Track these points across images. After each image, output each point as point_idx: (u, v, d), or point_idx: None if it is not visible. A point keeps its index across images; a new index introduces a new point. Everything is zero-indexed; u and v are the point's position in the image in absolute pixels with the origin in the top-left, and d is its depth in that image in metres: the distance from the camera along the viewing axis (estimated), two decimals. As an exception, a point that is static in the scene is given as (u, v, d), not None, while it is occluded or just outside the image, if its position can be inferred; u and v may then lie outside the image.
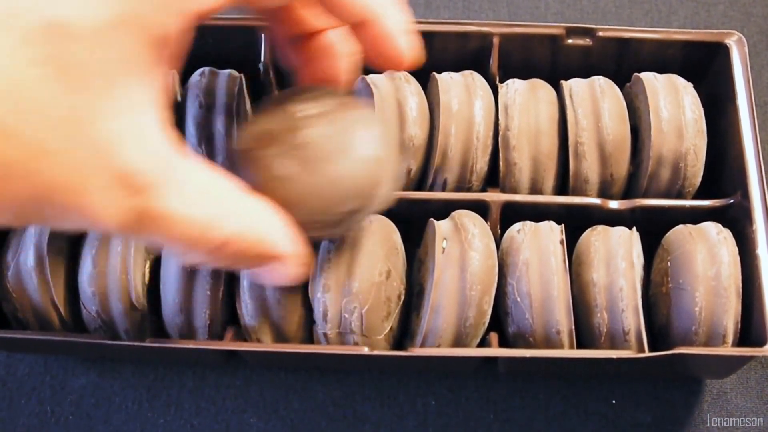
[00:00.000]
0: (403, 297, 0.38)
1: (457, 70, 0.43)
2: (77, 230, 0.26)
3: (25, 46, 0.22)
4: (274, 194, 0.32)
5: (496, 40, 0.43)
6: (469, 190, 0.41)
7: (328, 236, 0.36)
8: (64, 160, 0.23)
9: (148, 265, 0.38)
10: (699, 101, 0.41)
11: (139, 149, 0.25)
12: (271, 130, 0.33)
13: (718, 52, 0.43)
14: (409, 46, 0.33)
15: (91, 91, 0.24)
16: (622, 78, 0.43)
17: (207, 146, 0.40)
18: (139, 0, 0.24)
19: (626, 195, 0.42)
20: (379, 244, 0.37)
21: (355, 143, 0.33)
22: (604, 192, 0.41)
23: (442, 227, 0.38)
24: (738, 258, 0.37)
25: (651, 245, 0.40)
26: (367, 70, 0.43)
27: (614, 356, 0.36)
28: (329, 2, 0.31)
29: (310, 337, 0.38)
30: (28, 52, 0.22)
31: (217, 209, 0.28)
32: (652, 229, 0.40)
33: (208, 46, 0.43)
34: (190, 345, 0.37)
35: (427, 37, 0.43)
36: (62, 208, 0.24)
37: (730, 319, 0.36)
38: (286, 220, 0.31)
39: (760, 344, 0.36)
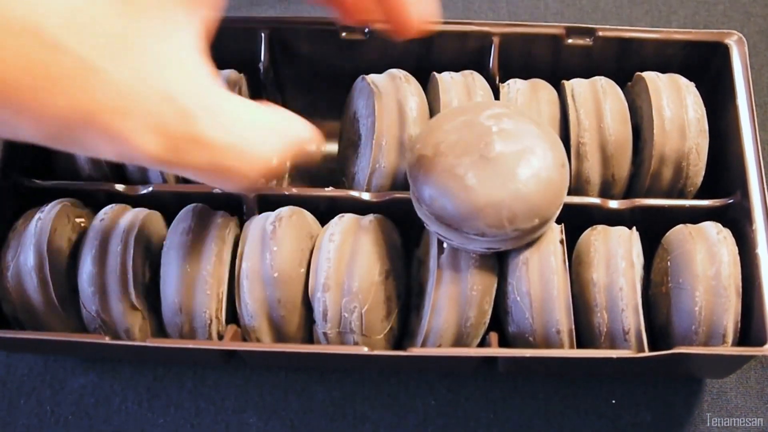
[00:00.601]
0: (402, 296, 0.38)
1: (457, 70, 0.43)
2: (110, 158, 0.26)
3: None
4: (460, 202, 0.34)
5: (496, 40, 0.43)
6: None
7: (502, 248, 0.36)
8: (112, 79, 0.23)
9: (147, 265, 0.38)
10: (701, 101, 0.41)
11: (184, 74, 0.25)
12: (464, 140, 0.35)
13: (718, 52, 0.43)
14: (416, 12, 0.33)
15: (143, 14, 0.24)
16: (622, 78, 0.43)
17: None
18: None
19: (627, 195, 0.42)
20: (379, 244, 0.37)
21: (541, 163, 0.34)
22: (605, 192, 0.41)
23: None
24: (738, 257, 0.37)
25: (651, 245, 0.40)
26: (368, 70, 0.43)
27: (614, 356, 0.36)
28: None
29: (310, 337, 0.38)
30: None
31: (259, 135, 0.28)
32: (652, 228, 0.40)
33: (209, 46, 0.43)
34: (189, 345, 0.37)
35: (427, 37, 0.44)
36: (103, 130, 0.24)
37: (730, 318, 0.36)
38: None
39: (760, 344, 0.36)
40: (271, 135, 0.29)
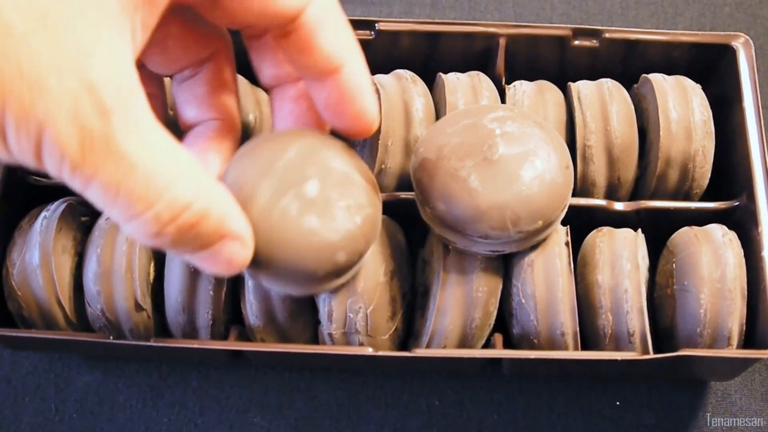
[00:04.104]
0: (408, 297, 0.38)
1: (463, 70, 0.43)
2: (25, 155, 0.23)
3: None
4: (464, 204, 0.34)
5: (502, 41, 0.43)
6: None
7: (506, 251, 0.36)
8: (34, 47, 0.21)
9: (152, 264, 0.39)
10: (707, 103, 0.41)
11: (110, 67, 0.23)
12: (468, 143, 0.35)
13: (724, 54, 0.43)
14: (373, 106, 0.32)
15: None
16: (628, 79, 0.43)
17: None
18: None
19: (633, 197, 0.42)
20: (384, 244, 0.37)
21: (545, 165, 0.34)
22: (611, 195, 0.41)
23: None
24: (743, 260, 0.37)
25: (656, 247, 0.40)
26: (374, 70, 0.43)
27: (618, 358, 0.36)
28: (293, 43, 0.29)
29: (314, 337, 0.38)
30: None
31: (179, 169, 0.25)
32: (658, 230, 0.40)
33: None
34: (194, 345, 0.37)
35: (433, 37, 0.44)
36: (18, 107, 0.22)
37: (735, 321, 0.36)
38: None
39: (765, 346, 0.36)
40: (189, 180, 0.25)
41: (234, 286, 0.38)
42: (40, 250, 0.37)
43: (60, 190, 0.40)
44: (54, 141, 0.23)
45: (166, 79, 0.36)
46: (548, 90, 0.42)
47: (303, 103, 0.33)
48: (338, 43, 0.30)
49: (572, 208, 0.37)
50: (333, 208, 0.31)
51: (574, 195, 0.40)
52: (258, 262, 0.30)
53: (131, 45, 0.25)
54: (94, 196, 0.24)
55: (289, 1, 0.28)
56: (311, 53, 0.29)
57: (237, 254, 0.29)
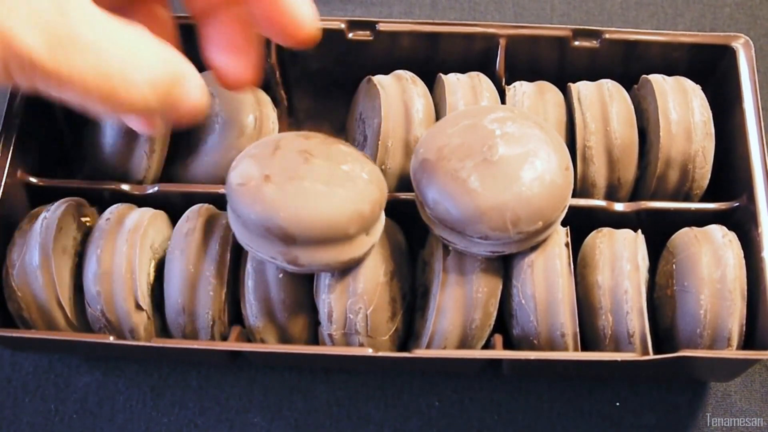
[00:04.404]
0: (408, 297, 0.38)
1: (463, 71, 0.43)
2: None
3: None
4: (463, 205, 0.34)
5: (502, 42, 0.43)
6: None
7: (506, 251, 0.36)
8: None
9: (152, 265, 0.39)
10: (707, 103, 0.41)
11: None
12: (468, 144, 0.35)
13: (724, 55, 0.43)
14: (308, 14, 0.32)
15: None
16: (628, 80, 0.43)
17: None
18: None
19: (633, 197, 0.42)
20: (384, 245, 0.37)
21: (545, 166, 0.34)
22: (611, 196, 0.41)
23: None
24: (743, 261, 0.37)
25: (656, 248, 0.40)
26: (375, 71, 0.43)
27: (618, 359, 0.36)
28: None
29: (314, 338, 0.38)
30: None
31: (142, 46, 0.28)
32: (658, 231, 0.40)
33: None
34: (194, 345, 0.37)
35: (433, 38, 0.44)
36: None
37: (735, 322, 0.36)
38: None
39: (765, 347, 0.36)
40: (151, 55, 0.28)
41: (234, 286, 0.38)
42: (40, 251, 0.37)
43: (60, 191, 0.40)
44: (21, 48, 0.23)
45: None
46: (548, 91, 0.42)
47: (236, 27, 0.34)
48: None
49: (572, 209, 0.37)
50: (337, 172, 0.34)
51: (574, 196, 0.40)
52: (293, 238, 0.33)
53: None
54: (70, 95, 0.26)
55: None
56: None
57: (192, 96, 0.31)
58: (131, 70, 0.27)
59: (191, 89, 0.30)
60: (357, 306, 0.36)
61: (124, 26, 0.27)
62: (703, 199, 0.41)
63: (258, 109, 0.41)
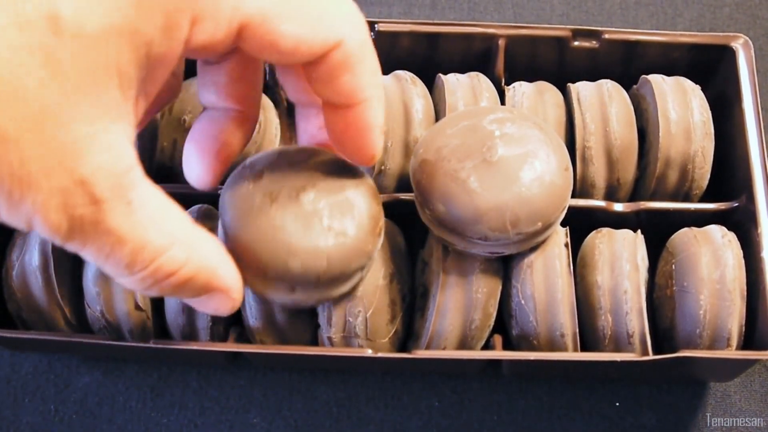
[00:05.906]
0: (407, 298, 0.38)
1: (462, 71, 0.43)
2: (15, 226, 0.25)
3: (18, 31, 0.22)
4: (463, 206, 0.34)
5: (501, 42, 0.43)
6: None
7: (506, 252, 0.36)
8: (25, 150, 0.22)
9: (152, 265, 0.39)
10: (707, 104, 0.41)
11: (104, 161, 0.24)
12: (467, 144, 0.35)
13: (724, 55, 0.43)
14: (379, 144, 0.32)
15: (74, 91, 0.23)
16: (628, 80, 0.43)
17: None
18: (141, 17, 0.24)
19: (632, 198, 0.42)
20: (384, 247, 0.37)
21: (544, 166, 0.34)
22: (611, 196, 0.41)
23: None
24: (743, 261, 0.37)
25: (656, 248, 0.40)
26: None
27: (618, 359, 0.36)
28: (319, 76, 0.30)
29: (314, 341, 0.38)
30: (21, 37, 0.22)
31: (170, 237, 0.27)
32: (657, 231, 0.40)
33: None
34: (194, 346, 0.37)
35: (433, 38, 0.44)
36: (8, 196, 0.23)
37: (735, 322, 0.36)
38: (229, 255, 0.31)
39: (765, 347, 0.36)
40: (179, 246, 0.27)
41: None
42: (40, 252, 0.37)
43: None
44: (43, 226, 0.24)
45: None
46: (547, 91, 0.42)
47: (324, 132, 0.34)
48: (362, 83, 0.30)
49: (572, 209, 0.37)
50: (314, 220, 0.32)
51: (573, 196, 0.41)
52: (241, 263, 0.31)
53: (132, 125, 0.26)
54: (86, 257, 0.26)
55: (320, 42, 0.28)
56: (333, 87, 0.30)
57: (224, 304, 0.30)
58: (142, 263, 0.27)
59: (221, 302, 0.30)
60: (356, 309, 0.36)
61: (160, 214, 0.27)
62: (702, 200, 0.41)
63: (262, 114, 0.41)
